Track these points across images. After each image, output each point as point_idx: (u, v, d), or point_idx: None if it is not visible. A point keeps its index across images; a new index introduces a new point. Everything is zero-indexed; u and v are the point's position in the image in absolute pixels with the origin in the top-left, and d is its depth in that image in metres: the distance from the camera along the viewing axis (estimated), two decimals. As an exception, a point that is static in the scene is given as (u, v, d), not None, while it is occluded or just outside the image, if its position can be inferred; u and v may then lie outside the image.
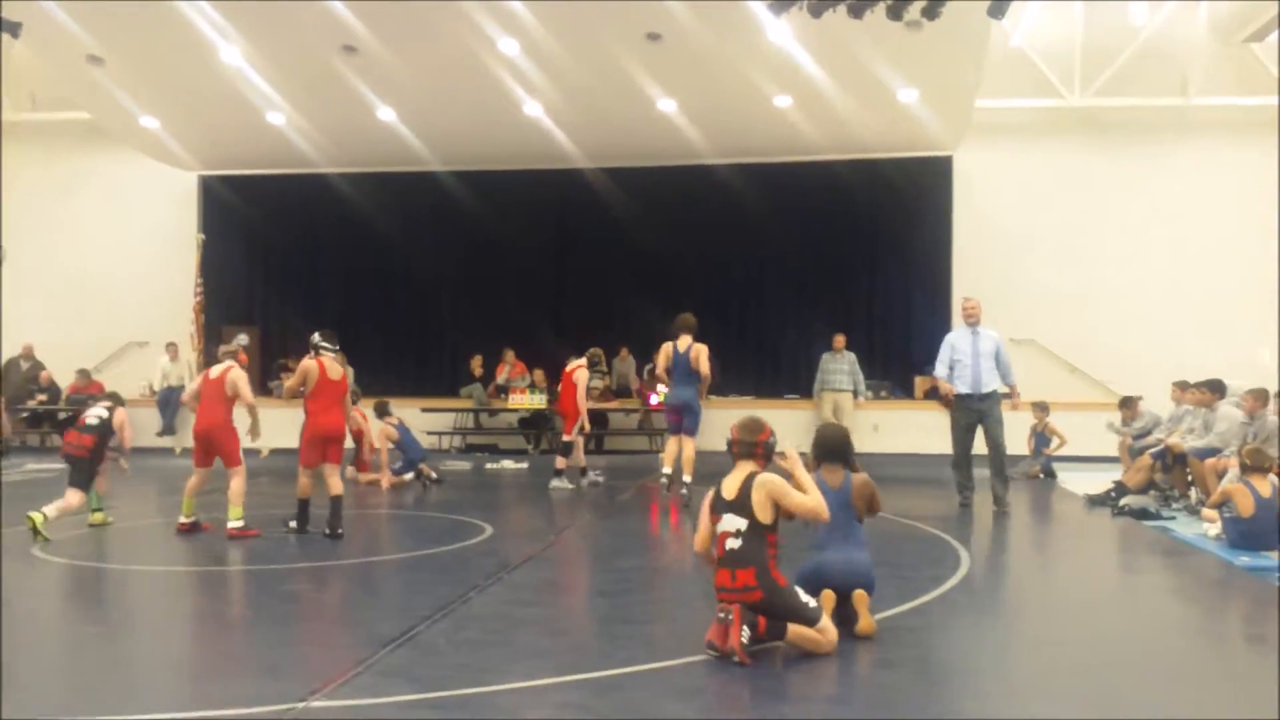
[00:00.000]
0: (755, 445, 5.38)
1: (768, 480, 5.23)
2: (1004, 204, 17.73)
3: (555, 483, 12.69)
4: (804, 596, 5.21)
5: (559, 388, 13.64)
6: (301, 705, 4.21)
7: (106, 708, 4.27)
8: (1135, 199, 17.48)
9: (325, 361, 8.99)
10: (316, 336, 9.19)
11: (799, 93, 14.49)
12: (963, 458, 11.06)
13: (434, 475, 13.23)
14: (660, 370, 11.71)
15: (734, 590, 5.08)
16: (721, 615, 5.01)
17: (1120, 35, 16.97)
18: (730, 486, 5.28)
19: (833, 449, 5.90)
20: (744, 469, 5.32)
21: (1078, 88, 17.31)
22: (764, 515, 5.17)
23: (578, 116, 15.63)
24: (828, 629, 5.17)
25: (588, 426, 13.45)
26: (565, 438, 12.92)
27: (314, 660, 4.95)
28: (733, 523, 5.19)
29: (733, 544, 5.16)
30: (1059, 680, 4.88)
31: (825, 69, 13.52)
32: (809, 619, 5.13)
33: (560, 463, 12.81)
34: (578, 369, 13.02)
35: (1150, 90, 17.26)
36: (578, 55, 13.33)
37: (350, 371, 18.27)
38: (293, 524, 8.63)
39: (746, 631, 4.91)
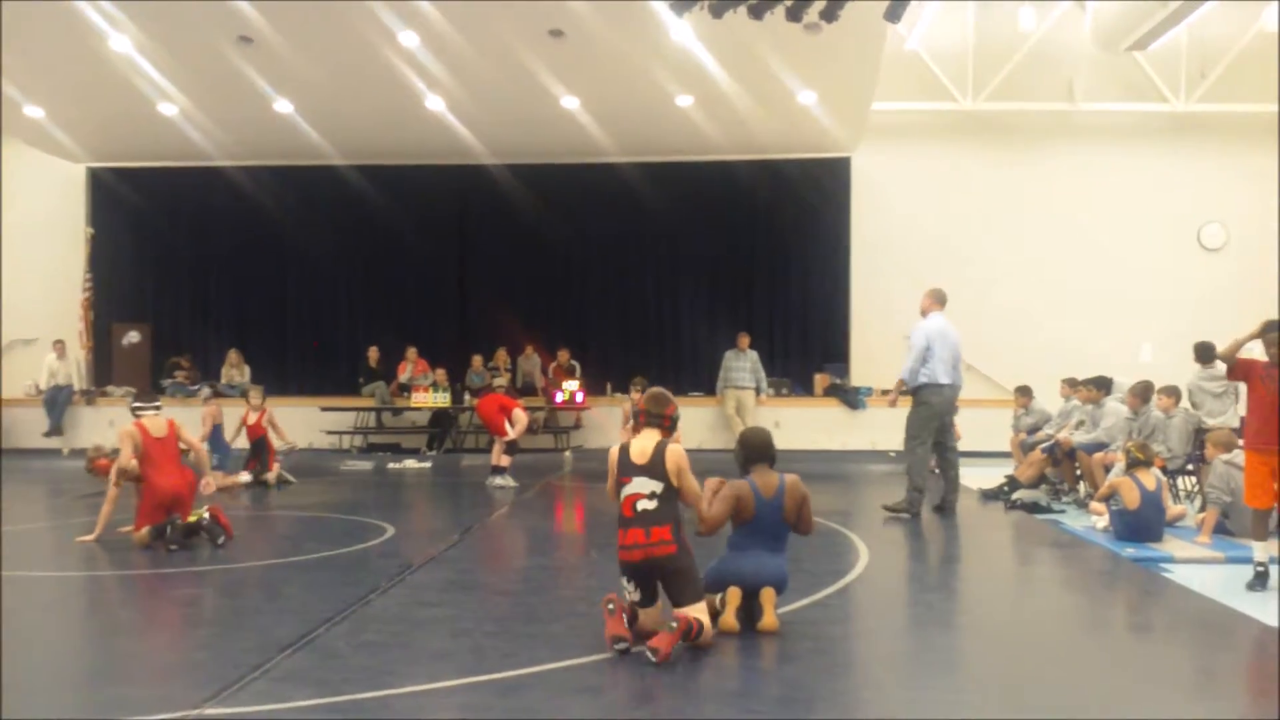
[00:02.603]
0: (663, 418, 5.64)
1: (677, 451, 5.49)
2: (901, 204, 18.11)
3: (498, 480, 12.58)
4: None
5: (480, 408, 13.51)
6: (195, 712, 4.11)
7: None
8: (1026, 200, 18.00)
9: (145, 422, 8.62)
10: (131, 400, 9.09)
11: (701, 93, 14.59)
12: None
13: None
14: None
15: (649, 545, 5.26)
16: (611, 605, 5.06)
17: (1010, 40, 17.44)
18: (640, 450, 5.47)
19: (760, 450, 5.92)
20: (652, 436, 5.54)
21: (970, 91, 17.75)
22: (674, 481, 5.40)
23: (480, 112, 15.51)
24: (718, 623, 5.37)
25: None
26: (512, 436, 12.78)
27: (208, 665, 4.83)
28: (646, 485, 5.37)
29: (646, 505, 5.34)
30: (954, 668, 5.01)
31: (726, 70, 13.62)
32: (699, 593, 5.32)
33: (504, 461, 12.72)
34: (514, 409, 12.94)
35: (1039, 95, 17.81)
36: (480, 50, 13.21)
37: (246, 369, 18.05)
38: (173, 546, 8.24)
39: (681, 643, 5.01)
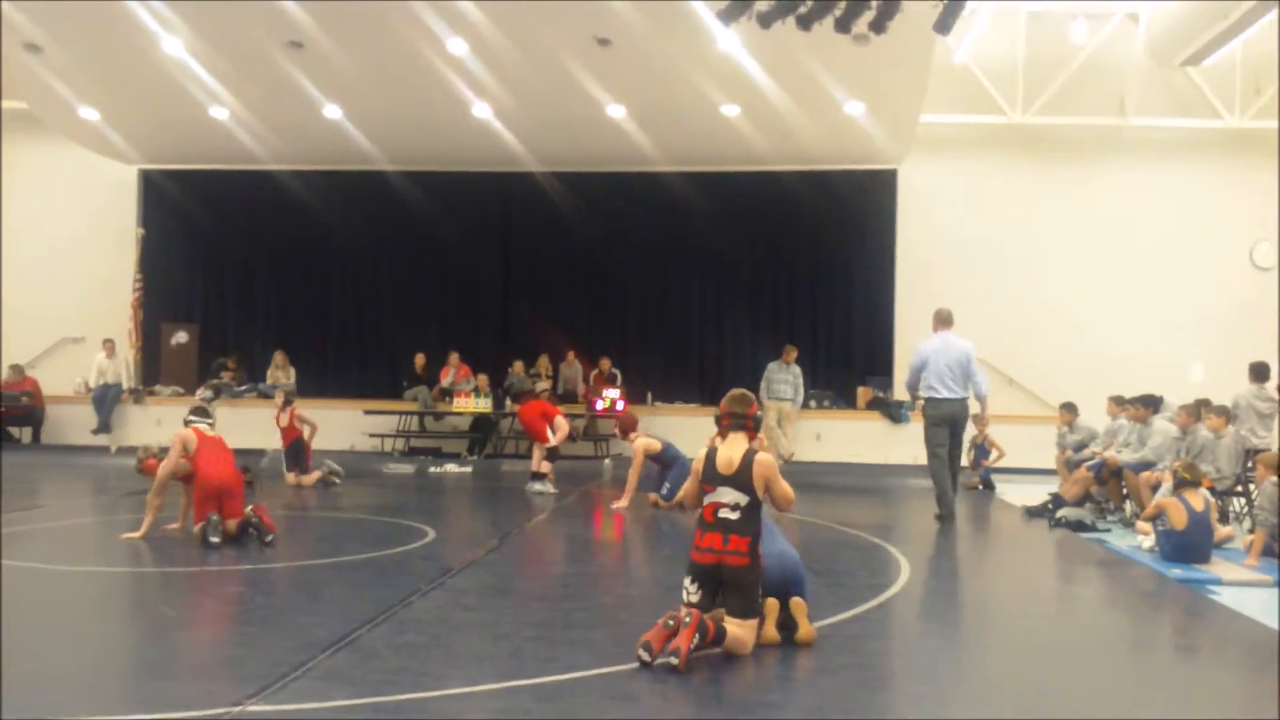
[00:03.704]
0: (745, 418, 5.53)
1: (765, 461, 5.41)
2: (946, 217, 17.97)
3: (537, 486, 12.63)
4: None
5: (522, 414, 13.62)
6: (238, 709, 4.14)
7: (35, 710, 4.17)
8: (1074, 215, 17.80)
9: (199, 428, 8.85)
10: (188, 412, 9.28)
11: (747, 102, 14.57)
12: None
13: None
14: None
15: (724, 551, 5.24)
16: (670, 622, 4.96)
17: (1062, 53, 17.27)
18: (727, 461, 5.39)
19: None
20: (738, 443, 5.47)
21: (1020, 104, 17.59)
22: (760, 493, 5.35)
23: (526, 119, 15.59)
24: (759, 636, 5.29)
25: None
26: (553, 443, 12.84)
27: (251, 663, 4.87)
28: (730, 496, 5.33)
29: (728, 514, 5.31)
30: (994, 687, 4.95)
31: (773, 79, 13.61)
32: (755, 613, 5.27)
33: (545, 467, 12.76)
34: (555, 416, 13.05)
35: (1090, 109, 17.61)
36: (527, 57, 13.29)
37: (292, 371, 18.23)
38: (214, 539, 8.33)
39: (697, 638, 4.91)
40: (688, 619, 4.92)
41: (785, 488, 5.46)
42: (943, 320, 11.19)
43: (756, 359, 17.45)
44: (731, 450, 5.43)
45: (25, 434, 18.32)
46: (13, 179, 19.16)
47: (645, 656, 4.90)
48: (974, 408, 11.21)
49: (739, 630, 5.16)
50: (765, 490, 5.39)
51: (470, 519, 11.69)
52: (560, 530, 10.37)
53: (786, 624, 5.49)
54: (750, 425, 5.53)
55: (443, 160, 18.00)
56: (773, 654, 5.27)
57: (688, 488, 5.60)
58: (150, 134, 17.38)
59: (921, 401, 11.13)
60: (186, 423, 9.00)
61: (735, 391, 5.67)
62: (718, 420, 5.60)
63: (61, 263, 19.00)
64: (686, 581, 5.39)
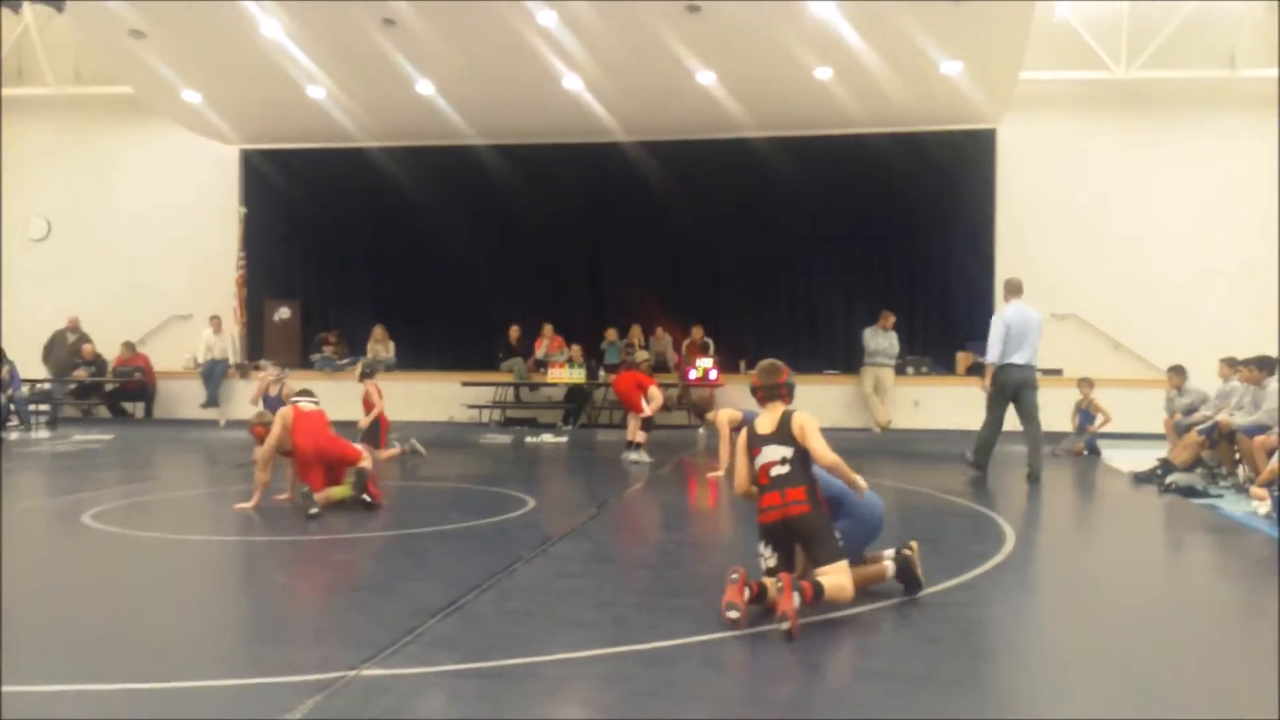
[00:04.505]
0: (778, 386, 5.69)
1: (803, 416, 5.53)
2: (1047, 178, 17.53)
3: (633, 455, 12.73)
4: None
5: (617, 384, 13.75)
6: (353, 673, 4.25)
7: (158, 674, 4.33)
8: (1180, 172, 17.22)
9: (299, 406, 9.08)
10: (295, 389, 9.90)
11: (840, 65, 14.35)
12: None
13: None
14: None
15: (784, 505, 5.34)
16: (735, 575, 5.02)
17: (1167, 5, 16.66)
18: (766, 423, 5.57)
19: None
20: (775, 408, 5.62)
21: (1124, 60, 17.03)
22: (805, 444, 5.42)
23: (616, 89, 15.57)
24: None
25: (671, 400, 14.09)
26: (648, 413, 12.94)
27: (363, 629, 4.99)
28: (777, 452, 5.46)
29: (779, 470, 5.42)
30: (1102, 656, 4.85)
31: (867, 41, 13.39)
32: (838, 553, 5.33)
33: (640, 437, 12.87)
34: (650, 387, 13.15)
35: (1197, 62, 16.95)
36: (616, 27, 13.27)
37: (391, 345, 18.55)
38: (312, 511, 8.52)
39: (798, 598, 4.93)
40: (780, 584, 4.94)
41: (823, 443, 5.46)
42: (1014, 290, 11.56)
43: (851, 325, 17.29)
44: (769, 415, 5.61)
45: (138, 409, 18.99)
46: (121, 162, 19.79)
47: (734, 615, 4.96)
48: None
49: (833, 578, 5.19)
50: (807, 445, 5.43)
51: (568, 488, 11.81)
52: (656, 499, 10.43)
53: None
54: (783, 392, 5.68)
55: (533, 133, 18.09)
56: (876, 622, 5.24)
57: (738, 469, 5.67)
58: (250, 115, 17.78)
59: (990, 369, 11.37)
60: (290, 400, 9.31)
61: (765, 363, 5.82)
62: (753, 392, 5.78)
63: (168, 243, 19.59)
64: (760, 547, 5.50)
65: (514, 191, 18.60)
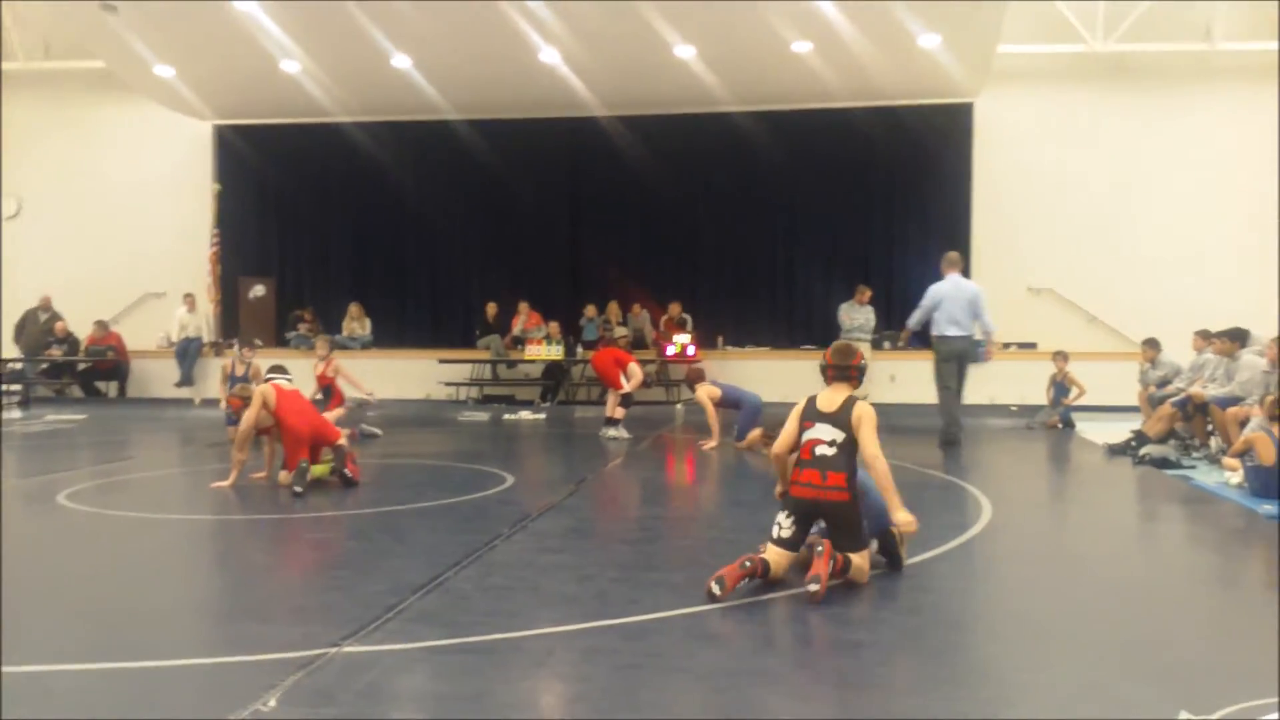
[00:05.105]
0: (849, 369, 5.71)
1: (866, 407, 5.55)
2: (1024, 152, 17.58)
3: (611, 431, 12.74)
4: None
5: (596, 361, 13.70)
6: (334, 650, 4.24)
7: (138, 653, 4.31)
8: (1157, 146, 17.30)
9: (278, 384, 9.03)
10: (266, 370, 9.64)
11: (818, 38, 14.32)
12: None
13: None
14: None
15: (822, 487, 5.36)
16: (748, 563, 5.11)
17: (1143, -23, 16.69)
18: (829, 401, 5.58)
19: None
20: (841, 390, 5.63)
21: (1101, 33, 17.05)
22: (857, 433, 5.45)
23: (594, 63, 15.49)
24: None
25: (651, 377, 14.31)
26: (627, 390, 12.94)
27: (344, 606, 4.98)
28: (829, 433, 5.47)
29: (825, 450, 5.44)
30: (1080, 626, 4.89)
31: (845, 14, 13.37)
32: (863, 543, 5.40)
33: (619, 413, 12.87)
34: (629, 363, 13.13)
35: (1174, 35, 17.02)
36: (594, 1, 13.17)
37: (368, 322, 18.47)
38: (298, 489, 8.48)
39: (831, 566, 5.09)
40: (820, 548, 5.08)
41: (875, 438, 5.48)
42: (952, 264, 12.29)
43: (829, 301, 17.30)
44: (834, 394, 5.63)
45: (111, 388, 18.85)
46: (90, 139, 19.58)
47: (716, 590, 5.01)
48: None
49: (856, 560, 5.29)
50: (860, 435, 5.45)
51: (546, 464, 11.80)
52: (636, 475, 10.44)
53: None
54: (854, 375, 5.71)
55: (510, 108, 17.99)
56: (855, 593, 5.27)
57: (786, 430, 5.67)
58: (224, 90, 17.59)
59: (907, 336, 12.90)
60: (266, 379, 9.24)
61: (839, 343, 5.90)
62: (823, 370, 5.78)
63: (142, 220, 19.41)
64: (781, 516, 5.48)
65: (491, 167, 18.51)
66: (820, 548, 5.09)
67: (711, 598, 4.99)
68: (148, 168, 19.51)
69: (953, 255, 12.52)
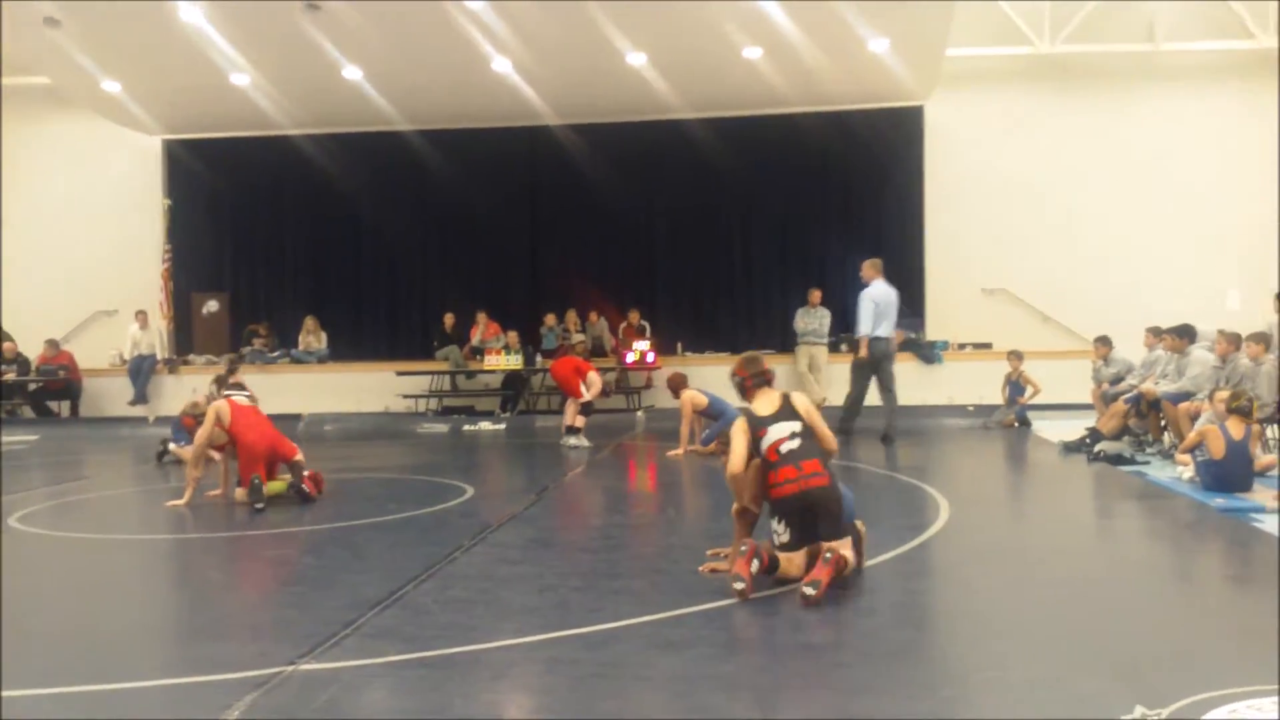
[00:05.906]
0: (765, 372, 5.84)
1: (801, 396, 5.68)
2: (975, 153, 17.73)
3: (572, 440, 12.70)
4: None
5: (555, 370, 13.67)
6: (291, 668, 4.20)
7: (94, 676, 4.24)
8: (1105, 146, 17.51)
9: (234, 400, 8.97)
10: (215, 387, 9.63)
11: (769, 44, 14.38)
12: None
13: None
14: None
15: (802, 477, 5.38)
16: (744, 548, 5.19)
17: (1089, -20, 16.93)
18: (767, 405, 5.63)
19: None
20: (768, 393, 5.73)
21: (1048, 34, 17.27)
22: (809, 420, 5.55)
23: (547, 72, 15.46)
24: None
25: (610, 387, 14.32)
26: (587, 398, 12.91)
27: (301, 623, 4.93)
28: (785, 428, 5.52)
29: (790, 445, 5.47)
30: (1037, 622, 4.94)
31: (794, 19, 13.41)
32: (847, 529, 5.47)
33: (579, 421, 12.82)
34: (589, 372, 13.15)
35: (1119, 36, 17.26)
36: (546, 9, 13.14)
37: (324, 335, 18.32)
38: (259, 505, 8.40)
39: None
40: (829, 555, 5.12)
41: (827, 428, 5.65)
42: (878, 270, 12.99)
43: (786, 305, 17.38)
44: (767, 398, 5.69)
45: (64, 408, 18.52)
46: (39, 156, 19.29)
47: (739, 587, 5.07)
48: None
49: (842, 551, 5.31)
50: (812, 423, 5.57)
51: (507, 475, 11.77)
52: (597, 483, 10.43)
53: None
54: (770, 377, 5.86)
55: (464, 118, 17.92)
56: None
57: (735, 450, 5.60)
58: (172, 104, 17.36)
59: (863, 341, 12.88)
60: (221, 393, 9.13)
61: (747, 354, 6.02)
62: (740, 386, 5.85)
63: (92, 237, 19.11)
64: (774, 524, 5.50)
65: (445, 177, 18.43)
66: (829, 555, 5.13)
67: (740, 595, 5.06)
68: (97, 184, 19.23)
69: (877, 261, 13.19)
